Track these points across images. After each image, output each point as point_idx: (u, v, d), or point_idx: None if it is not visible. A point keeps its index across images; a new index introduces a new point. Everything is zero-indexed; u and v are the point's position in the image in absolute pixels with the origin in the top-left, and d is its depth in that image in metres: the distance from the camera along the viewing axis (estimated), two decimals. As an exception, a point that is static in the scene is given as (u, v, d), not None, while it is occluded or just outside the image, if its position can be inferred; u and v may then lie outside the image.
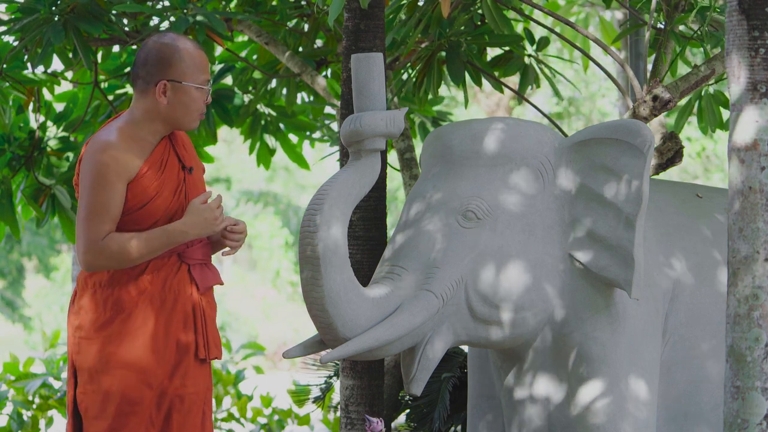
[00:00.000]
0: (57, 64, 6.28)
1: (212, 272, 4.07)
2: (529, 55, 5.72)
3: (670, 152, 5.03)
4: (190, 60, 4.02)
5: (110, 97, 6.24)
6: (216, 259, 4.50)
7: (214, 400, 8.35)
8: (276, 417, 8.46)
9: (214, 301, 4.13)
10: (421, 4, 5.36)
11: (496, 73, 5.76)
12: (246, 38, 6.37)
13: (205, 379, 4.01)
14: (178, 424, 3.96)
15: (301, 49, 6.06)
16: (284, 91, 6.27)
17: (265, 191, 22.88)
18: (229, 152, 22.39)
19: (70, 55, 5.52)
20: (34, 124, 6.21)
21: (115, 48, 6.18)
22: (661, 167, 5.06)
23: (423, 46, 5.37)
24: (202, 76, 4.02)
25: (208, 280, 4.03)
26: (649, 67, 5.23)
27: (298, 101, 6.54)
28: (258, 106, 6.45)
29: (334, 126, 6.84)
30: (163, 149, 4.04)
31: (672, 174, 14.09)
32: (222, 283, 4.11)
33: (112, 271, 4.00)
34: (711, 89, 5.62)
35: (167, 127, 4.04)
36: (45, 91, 6.28)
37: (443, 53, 5.32)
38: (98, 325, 3.99)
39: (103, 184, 3.96)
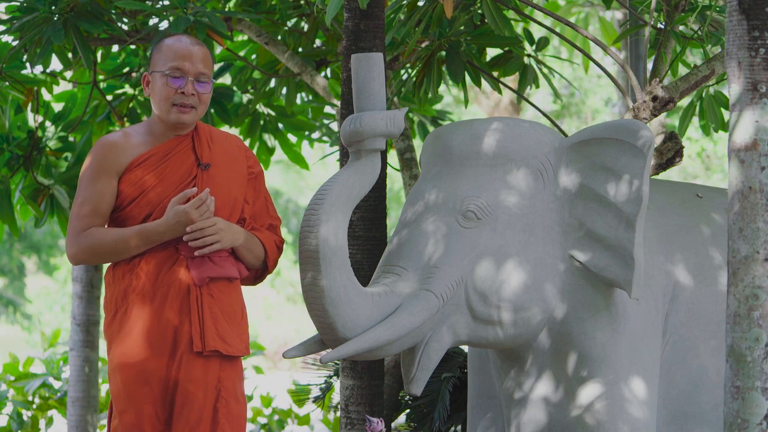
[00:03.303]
0: (56, 64, 6.29)
1: (216, 265, 4.02)
2: (529, 55, 5.72)
3: (670, 152, 5.03)
4: (165, 49, 4.05)
5: (109, 97, 6.24)
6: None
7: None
8: (276, 417, 8.47)
9: (235, 293, 4.08)
10: (421, 4, 5.36)
11: (495, 73, 5.76)
12: (245, 38, 6.37)
13: (206, 373, 3.97)
14: (176, 418, 3.96)
15: (300, 49, 6.06)
16: (284, 90, 6.27)
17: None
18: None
19: (69, 54, 5.52)
20: (32, 124, 6.21)
21: (114, 48, 6.18)
22: (661, 167, 5.06)
23: (423, 45, 5.37)
24: (171, 63, 4.01)
25: (206, 273, 4.00)
26: (649, 67, 5.22)
27: (298, 101, 6.54)
28: (257, 106, 6.45)
29: (334, 126, 6.84)
30: (175, 144, 4.05)
31: (672, 174, 14.08)
32: (233, 276, 4.06)
33: (114, 268, 4.04)
34: (711, 90, 5.62)
35: (168, 124, 4.06)
36: (44, 91, 6.28)
37: (443, 53, 5.32)
38: (106, 325, 4.06)
39: (85, 180, 4.03)
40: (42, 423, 7.96)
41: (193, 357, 3.96)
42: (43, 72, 6.01)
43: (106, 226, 4.06)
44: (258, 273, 4.22)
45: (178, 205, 3.94)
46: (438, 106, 7.21)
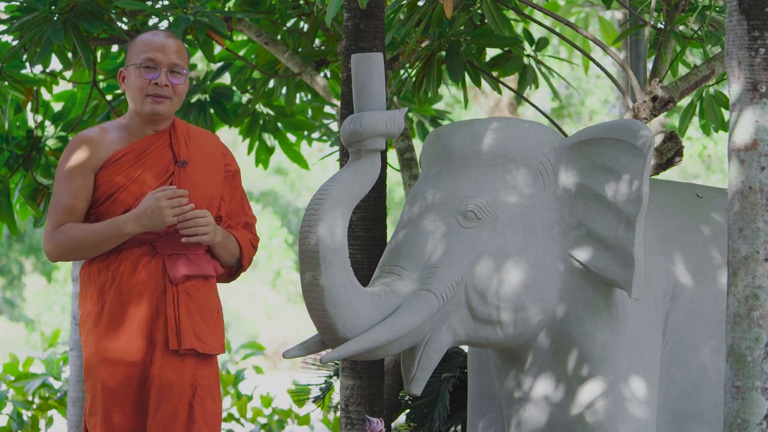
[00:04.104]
0: (55, 64, 6.29)
1: (193, 263, 4.02)
2: (528, 56, 5.72)
3: (670, 152, 5.03)
4: (139, 43, 4.06)
5: (108, 97, 6.24)
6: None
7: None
8: (276, 417, 8.46)
9: (211, 291, 4.08)
10: (421, 4, 5.36)
11: (495, 73, 5.76)
12: (245, 37, 6.37)
13: (182, 371, 3.97)
14: (152, 416, 3.96)
15: (300, 49, 6.06)
16: (283, 90, 6.27)
17: (265, 191, 22.88)
18: (231, 151, 22.35)
19: (69, 54, 5.52)
20: (32, 124, 6.21)
21: (114, 48, 6.17)
22: (661, 167, 5.06)
23: (423, 45, 5.37)
24: (144, 54, 4.02)
25: (183, 271, 4.00)
26: (649, 67, 5.22)
27: (297, 101, 6.54)
28: (257, 106, 6.45)
29: (334, 126, 6.84)
30: (153, 140, 4.05)
31: (672, 174, 14.07)
32: (209, 275, 4.06)
33: (90, 264, 4.04)
34: (711, 90, 5.62)
35: (144, 117, 4.06)
36: (43, 91, 6.28)
37: (443, 53, 5.32)
38: (83, 320, 4.06)
39: (62, 176, 4.04)
40: (42, 423, 7.95)
41: (169, 355, 3.96)
42: (43, 72, 6.00)
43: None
44: (232, 270, 4.22)
45: (150, 195, 3.94)
46: (437, 106, 7.21)
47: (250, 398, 8.51)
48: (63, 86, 6.46)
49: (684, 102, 7.47)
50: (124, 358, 3.95)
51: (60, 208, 4.00)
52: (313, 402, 5.95)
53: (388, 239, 4.32)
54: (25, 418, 7.89)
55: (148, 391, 3.96)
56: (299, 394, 6.91)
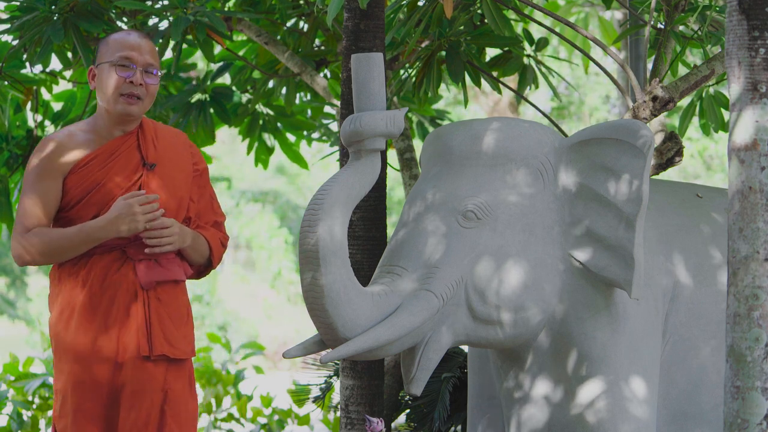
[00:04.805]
0: (55, 64, 6.29)
1: (163, 268, 4.01)
2: (528, 56, 5.72)
3: (670, 152, 5.03)
4: (111, 42, 4.05)
5: (109, 97, 6.23)
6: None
7: (213, 401, 8.34)
8: (276, 417, 8.45)
9: (181, 295, 4.08)
10: (421, 4, 5.36)
11: (495, 73, 5.76)
12: (245, 37, 6.37)
13: (153, 376, 3.97)
14: (123, 420, 3.95)
15: (300, 49, 6.06)
16: (283, 90, 6.27)
17: (265, 191, 22.88)
18: (231, 151, 22.39)
19: (69, 54, 5.52)
20: (32, 123, 6.21)
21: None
22: (661, 167, 5.06)
23: (423, 45, 5.37)
24: (119, 53, 4.01)
25: (153, 276, 3.99)
26: (649, 67, 5.22)
27: (297, 101, 6.53)
28: (257, 106, 6.45)
29: (334, 126, 6.84)
30: (120, 142, 4.03)
31: (672, 174, 14.08)
32: (179, 279, 4.05)
33: (60, 267, 4.02)
34: (711, 90, 5.62)
35: (114, 117, 4.04)
36: (43, 91, 6.28)
37: (443, 53, 5.32)
38: (53, 323, 4.04)
39: (30, 180, 4.01)
40: (42, 423, 7.95)
41: (140, 361, 3.96)
42: (43, 71, 6.01)
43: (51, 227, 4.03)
44: (200, 269, 4.21)
45: (123, 201, 3.93)
46: (437, 106, 7.22)
47: (250, 398, 8.50)
48: (63, 86, 6.46)
49: (684, 102, 7.47)
50: (95, 362, 3.94)
51: (29, 211, 3.97)
52: (313, 402, 5.94)
53: (388, 239, 4.32)
54: (25, 418, 7.88)
55: (119, 395, 3.95)
56: (299, 394, 6.91)
